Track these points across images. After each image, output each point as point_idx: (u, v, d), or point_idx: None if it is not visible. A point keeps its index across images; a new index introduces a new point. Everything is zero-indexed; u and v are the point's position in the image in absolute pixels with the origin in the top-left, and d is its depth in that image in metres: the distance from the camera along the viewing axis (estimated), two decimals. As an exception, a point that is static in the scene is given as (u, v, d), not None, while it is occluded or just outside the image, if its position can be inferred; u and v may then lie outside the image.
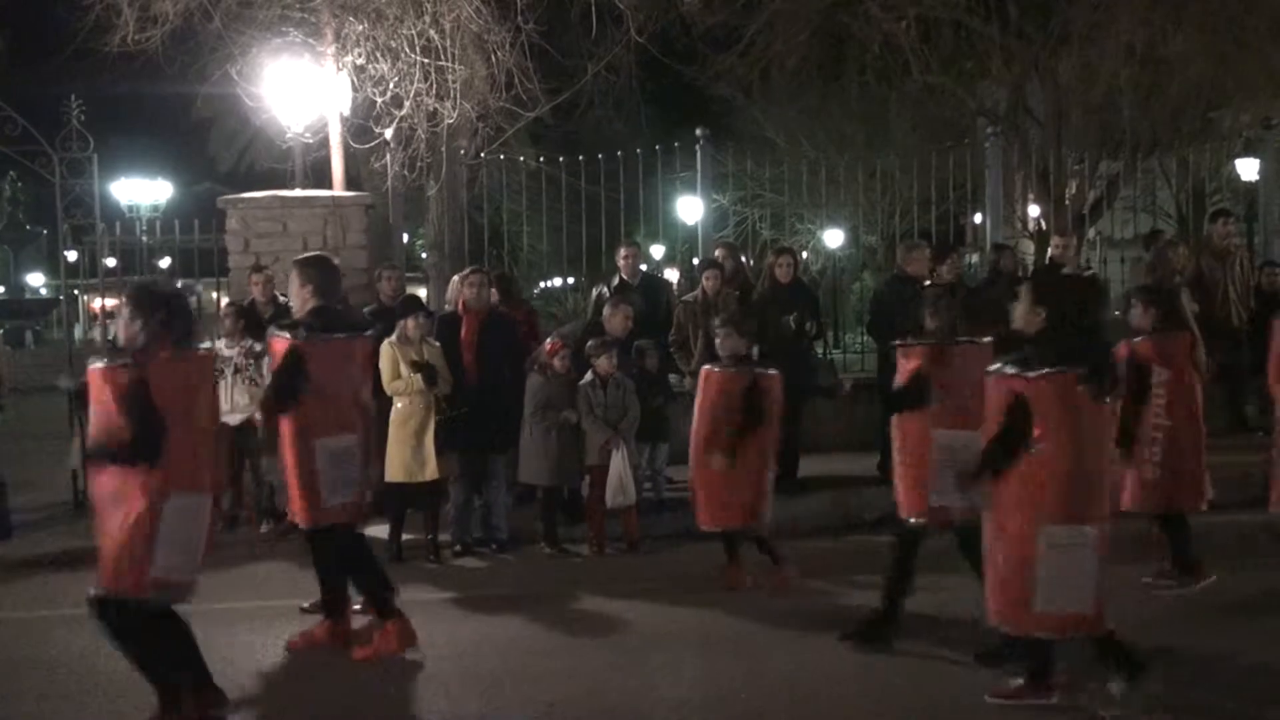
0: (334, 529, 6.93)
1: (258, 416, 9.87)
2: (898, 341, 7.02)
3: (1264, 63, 17.28)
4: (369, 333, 7.28)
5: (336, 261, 7.28)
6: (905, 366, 6.74)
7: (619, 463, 9.11)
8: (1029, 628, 5.59)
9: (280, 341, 6.79)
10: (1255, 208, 15.56)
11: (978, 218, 20.14)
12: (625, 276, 10.84)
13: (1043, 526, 5.43)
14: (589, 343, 9.42)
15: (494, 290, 9.98)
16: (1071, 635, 5.60)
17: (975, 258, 20.51)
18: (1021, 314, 5.63)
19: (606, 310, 9.82)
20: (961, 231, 26.00)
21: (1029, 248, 21.15)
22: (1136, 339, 7.73)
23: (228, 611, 7.79)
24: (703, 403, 7.92)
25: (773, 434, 7.96)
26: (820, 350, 11.92)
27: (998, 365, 5.62)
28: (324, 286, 6.87)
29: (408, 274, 12.99)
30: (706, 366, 8.07)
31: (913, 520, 6.69)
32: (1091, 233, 19.44)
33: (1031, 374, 5.41)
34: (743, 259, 12.61)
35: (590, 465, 9.32)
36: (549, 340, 9.74)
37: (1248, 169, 17.24)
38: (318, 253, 7.85)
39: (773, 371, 8.02)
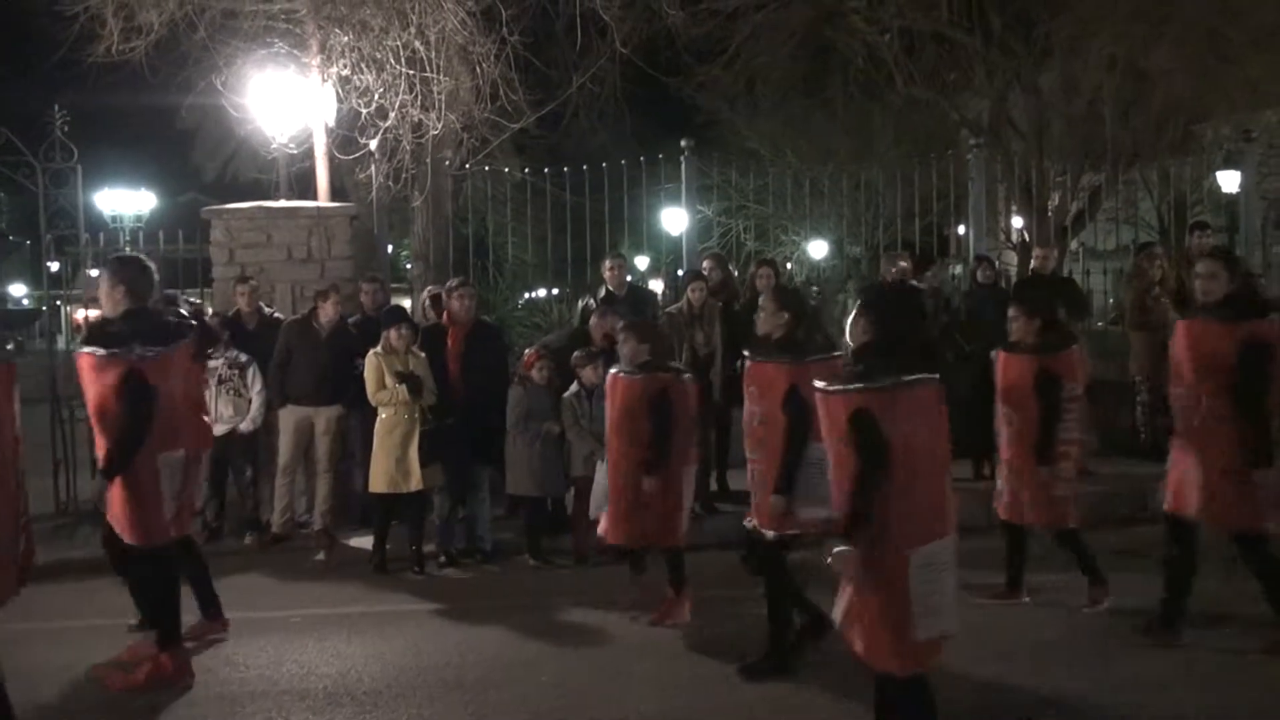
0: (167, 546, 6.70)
1: (243, 428, 9.95)
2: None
3: (1244, 75, 17.42)
4: (187, 339, 6.82)
5: (151, 264, 6.91)
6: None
7: (603, 474, 9.10)
8: (911, 661, 5.06)
9: (108, 362, 6.35)
10: (1237, 220, 15.65)
11: (961, 229, 20.20)
12: (611, 288, 10.86)
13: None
14: (574, 354, 9.42)
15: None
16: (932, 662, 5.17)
17: (959, 269, 20.55)
18: (851, 323, 5.29)
19: (593, 321, 9.83)
20: (945, 243, 26.05)
21: (1012, 259, 21.24)
22: (1033, 353, 7.59)
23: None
24: (610, 410, 7.66)
25: (686, 444, 7.64)
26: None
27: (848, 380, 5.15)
28: (138, 288, 6.60)
29: (393, 285, 12.98)
30: (612, 372, 7.78)
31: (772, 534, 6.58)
32: (1074, 244, 19.53)
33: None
34: (730, 269, 12.62)
35: (575, 476, 9.33)
36: (527, 351, 9.75)
37: (1229, 181, 17.36)
38: (131, 253, 7.57)
39: (686, 376, 7.82)
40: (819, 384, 5.20)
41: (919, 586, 4.96)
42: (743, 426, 6.83)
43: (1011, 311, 7.81)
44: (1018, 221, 21.37)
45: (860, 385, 4.98)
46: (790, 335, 6.54)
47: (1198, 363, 6.67)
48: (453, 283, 9.99)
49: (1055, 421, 7.47)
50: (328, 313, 9.96)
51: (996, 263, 14.01)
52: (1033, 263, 11.80)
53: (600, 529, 7.87)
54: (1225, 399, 6.53)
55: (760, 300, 6.83)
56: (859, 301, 5.36)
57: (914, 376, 5.01)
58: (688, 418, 7.64)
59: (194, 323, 7.02)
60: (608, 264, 11.00)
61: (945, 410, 5.15)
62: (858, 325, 5.21)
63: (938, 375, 5.14)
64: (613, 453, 7.65)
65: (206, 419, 7.16)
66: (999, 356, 7.81)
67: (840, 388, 5.04)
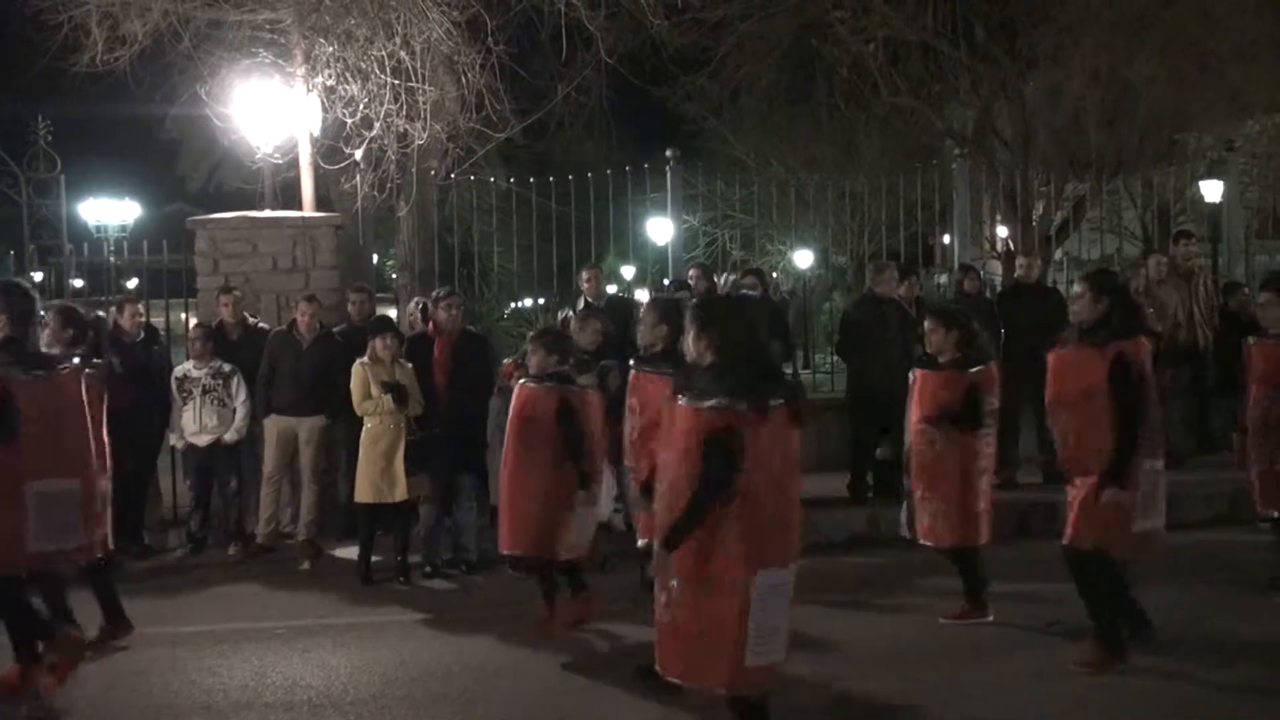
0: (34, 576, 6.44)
1: (227, 438, 9.91)
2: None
3: (1226, 85, 17.52)
4: (72, 364, 6.62)
5: (34, 291, 6.66)
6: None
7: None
8: (740, 683, 5.08)
9: None
10: (1219, 229, 15.74)
11: (946, 238, 20.28)
12: (590, 298, 10.87)
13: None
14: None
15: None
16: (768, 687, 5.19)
17: (944, 278, 20.64)
18: (690, 338, 5.26)
19: (575, 326, 9.83)
20: (930, 252, 26.13)
21: (997, 268, 21.31)
22: (967, 369, 7.52)
23: (196, 634, 7.77)
24: (512, 419, 7.62)
25: (588, 457, 7.58)
26: (790, 370, 11.95)
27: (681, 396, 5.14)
28: (19, 315, 6.35)
29: (378, 294, 12.96)
30: (520, 381, 7.74)
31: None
32: (1058, 254, 19.60)
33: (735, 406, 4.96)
34: (715, 280, 12.63)
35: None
36: (505, 361, 9.65)
37: (1212, 190, 17.46)
38: (10, 279, 7.45)
39: (590, 391, 7.75)
40: (675, 394, 5.15)
41: (758, 612, 4.95)
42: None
43: (928, 324, 7.70)
44: (1003, 231, 21.44)
45: (722, 403, 4.93)
46: (671, 347, 6.46)
47: (1073, 389, 6.57)
48: (439, 292, 9.98)
49: (990, 435, 7.49)
50: (301, 321, 9.94)
51: (982, 272, 14.05)
52: (1016, 271, 11.81)
53: (501, 545, 7.76)
54: (1102, 424, 6.42)
55: (640, 313, 6.77)
56: (695, 317, 5.29)
57: (774, 400, 4.99)
58: (590, 433, 7.62)
59: (77, 351, 6.83)
60: (584, 275, 11.05)
61: (797, 435, 5.13)
62: (700, 342, 5.17)
63: (791, 396, 5.10)
64: (510, 462, 7.58)
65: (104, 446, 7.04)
66: (917, 374, 7.71)
67: (703, 404, 4.97)
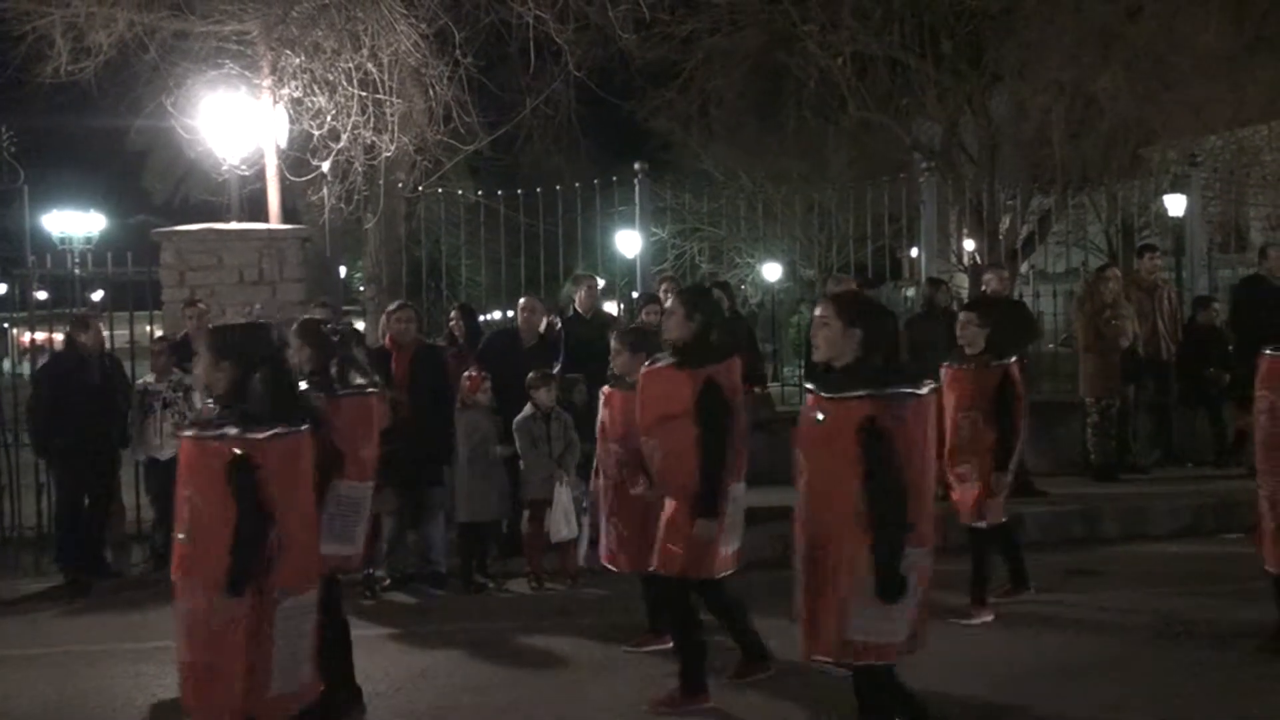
0: None
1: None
2: None
3: (1188, 101, 17.71)
4: None
5: None
6: None
7: (565, 496, 9.04)
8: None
9: None
10: (1182, 243, 15.89)
11: (914, 251, 20.38)
12: (580, 310, 10.83)
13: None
14: (529, 375, 9.37)
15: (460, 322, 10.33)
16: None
17: (911, 291, 20.74)
18: (205, 368, 5.01)
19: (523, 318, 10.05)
20: (898, 265, 26.25)
21: (964, 281, 21.43)
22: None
23: (160, 650, 7.63)
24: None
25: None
26: (759, 385, 11.95)
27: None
28: None
29: (346, 308, 12.92)
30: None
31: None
32: (1025, 267, 19.73)
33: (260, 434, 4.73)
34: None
35: (532, 499, 9.24)
36: (466, 376, 9.54)
37: (1175, 205, 17.63)
38: None
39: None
40: (187, 434, 4.92)
41: (281, 638, 4.76)
42: None
43: (614, 345, 7.41)
44: (969, 244, 21.57)
45: (236, 433, 4.71)
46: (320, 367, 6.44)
47: (656, 410, 6.29)
48: (392, 306, 9.92)
49: None
50: None
51: (950, 286, 14.12)
52: (992, 285, 11.71)
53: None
54: (690, 448, 6.15)
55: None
56: (209, 345, 5.04)
57: (287, 428, 4.79)
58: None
59: None
60: (584, 286, 10.97)
61: (309, 456, 4.94)
62: (220, 371, 4.90)
63: (310, 420, 4.95)
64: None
65: None
66: (605, 391, 7.44)
67: (216, 434, 4.74)
